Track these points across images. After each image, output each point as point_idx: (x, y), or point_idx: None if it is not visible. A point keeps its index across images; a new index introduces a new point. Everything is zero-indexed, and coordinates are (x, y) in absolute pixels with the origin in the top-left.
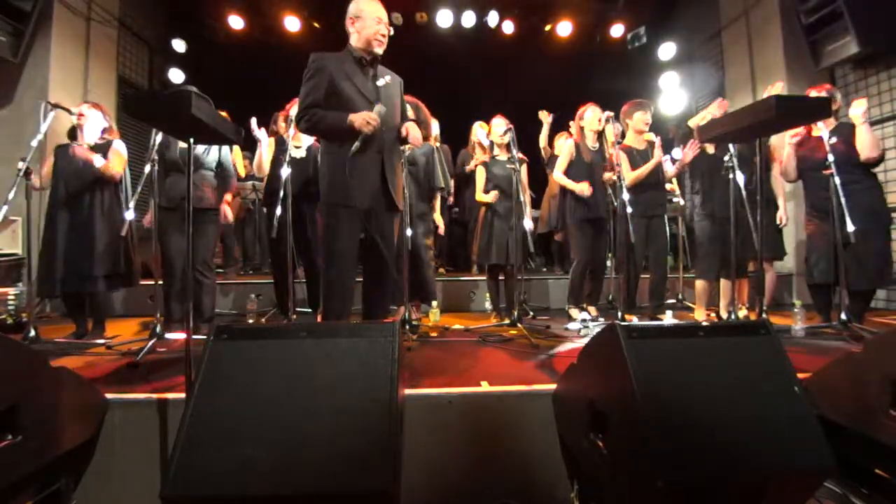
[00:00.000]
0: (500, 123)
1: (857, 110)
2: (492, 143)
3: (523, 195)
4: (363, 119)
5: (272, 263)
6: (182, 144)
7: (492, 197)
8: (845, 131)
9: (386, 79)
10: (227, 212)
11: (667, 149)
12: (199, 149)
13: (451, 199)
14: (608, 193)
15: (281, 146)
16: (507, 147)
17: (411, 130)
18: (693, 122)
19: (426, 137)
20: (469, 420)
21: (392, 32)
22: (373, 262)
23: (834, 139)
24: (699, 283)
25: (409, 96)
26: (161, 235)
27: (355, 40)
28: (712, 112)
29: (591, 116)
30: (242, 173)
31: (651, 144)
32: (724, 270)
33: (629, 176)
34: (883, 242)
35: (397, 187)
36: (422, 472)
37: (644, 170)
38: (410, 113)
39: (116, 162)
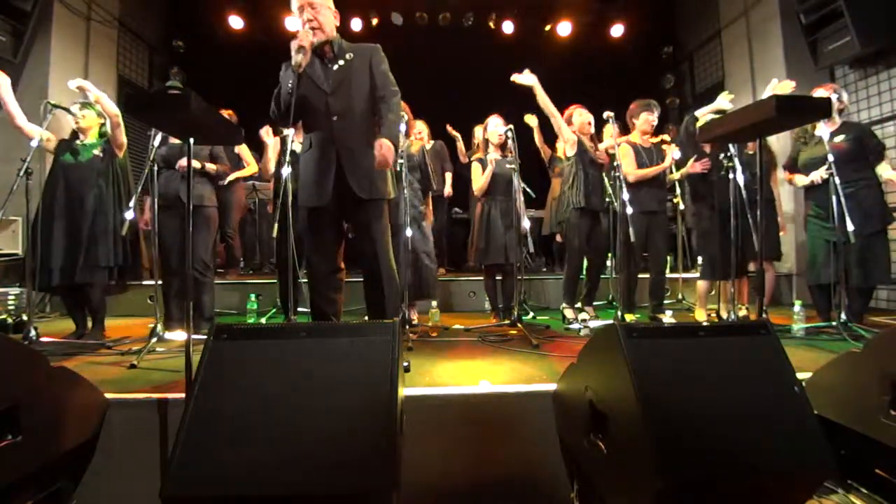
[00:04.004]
0: (497, 123)
1: None
2: (487, 141)
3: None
4: (294, 43)
5: (276, 263)
6: (174, 141)
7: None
8: (853, 131)
9: (346, 57)
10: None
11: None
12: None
13: (450, 191)
14: (608, 193)
15: (283, 145)
16: (502, 147)
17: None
18: (700, 113)
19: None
20: (469, 420)
21: (311, 14)
22: (362, 261)
23: (839, 139)
24: (699, 283)
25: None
26: (157, 234)
27: None
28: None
29: (578, 121)
30: (256, 169)
31: (660, 144)
32: (723, 271)
33: (635, 172)
34: (884, 240)
35: (360, 175)
36: (422, 473)
37: (652, 171)
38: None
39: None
